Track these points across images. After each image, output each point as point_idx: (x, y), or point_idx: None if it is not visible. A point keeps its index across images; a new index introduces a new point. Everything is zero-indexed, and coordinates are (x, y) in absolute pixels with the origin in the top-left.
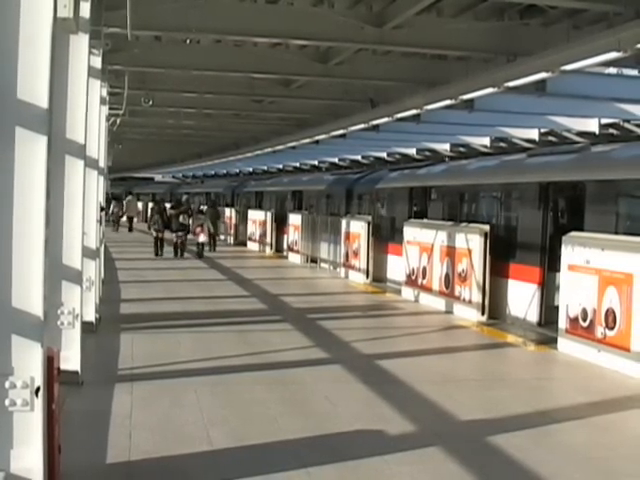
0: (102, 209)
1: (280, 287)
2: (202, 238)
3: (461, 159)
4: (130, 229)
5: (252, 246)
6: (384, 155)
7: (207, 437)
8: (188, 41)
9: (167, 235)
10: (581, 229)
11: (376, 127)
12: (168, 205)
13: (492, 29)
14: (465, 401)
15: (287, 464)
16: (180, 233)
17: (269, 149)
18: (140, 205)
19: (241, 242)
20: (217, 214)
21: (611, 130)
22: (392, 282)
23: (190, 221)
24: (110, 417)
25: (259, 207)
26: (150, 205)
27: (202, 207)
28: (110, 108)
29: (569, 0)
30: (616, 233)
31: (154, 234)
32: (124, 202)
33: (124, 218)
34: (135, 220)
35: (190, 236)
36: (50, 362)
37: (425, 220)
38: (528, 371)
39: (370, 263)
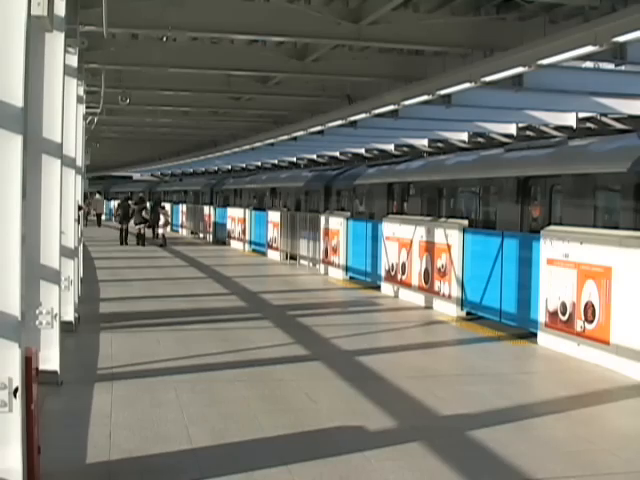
0: (80, 208)
1: (260, 284)
2: (162, 230)
3: (439, 154)
4: (99, 224)
5: (231, 244)
6: (362, 151)
7: (187, 435)
8: (165, 39)
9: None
10: (560, 223)
11: (354, 123)
12: (131, 202)
13: (468, 24)
14: (446, 396)
15: (268, 461)
16: (141, 225)
17: (247, 146)
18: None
19: (220, 240)
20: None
21: (588, 124)
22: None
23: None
24: (90, 417)
25: (238, 205)
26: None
27: (163, 204)
28: (87, 107)
29: None
30: (594, 226)
31: (119, 226)
32: (92, 201)
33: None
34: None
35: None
36: (28, 362)
37: (404, 216)
38: (508, 365)
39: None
